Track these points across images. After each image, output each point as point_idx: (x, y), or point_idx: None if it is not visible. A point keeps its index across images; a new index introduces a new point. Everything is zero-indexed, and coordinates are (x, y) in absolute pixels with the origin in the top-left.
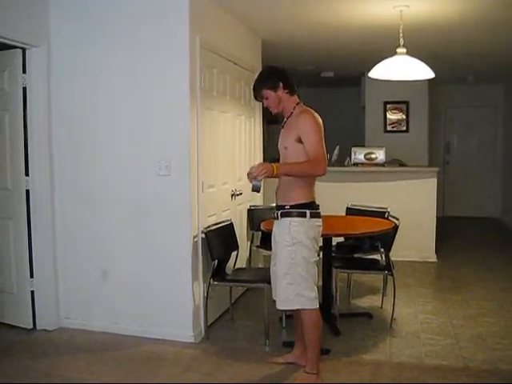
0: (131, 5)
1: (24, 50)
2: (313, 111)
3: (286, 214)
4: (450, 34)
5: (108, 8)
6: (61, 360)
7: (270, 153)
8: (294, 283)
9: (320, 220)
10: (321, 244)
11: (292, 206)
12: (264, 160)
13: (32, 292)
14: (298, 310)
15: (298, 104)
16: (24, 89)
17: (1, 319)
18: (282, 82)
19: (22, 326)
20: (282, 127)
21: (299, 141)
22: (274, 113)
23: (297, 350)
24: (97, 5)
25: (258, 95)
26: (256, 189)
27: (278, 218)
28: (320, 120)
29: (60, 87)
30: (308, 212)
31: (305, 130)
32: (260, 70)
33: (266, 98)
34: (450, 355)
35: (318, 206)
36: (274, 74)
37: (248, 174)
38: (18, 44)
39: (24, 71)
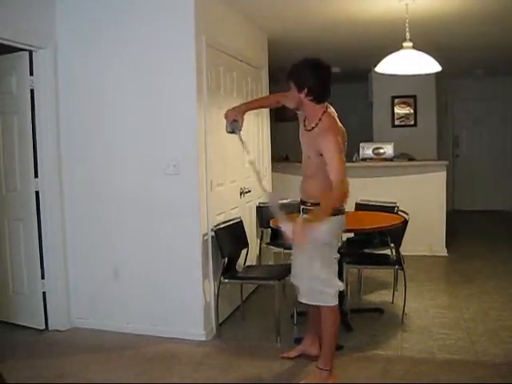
0: (136, 5)
1: (31, 53)
2: (334, 121)
3: (307, 211)
4: (456, 26)
5: (113, 9)
6: (74, 360)
7: (278, 150)
8: (315, 279)
9: (343, 216)
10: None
11: (313, 204)
12: (272, 158)
13: (44, 293)
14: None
15: (324, 112)
16: (32, 91)
17: (13, 320)
18: (309, 87)
19: (34, 326)
20: (305, 127)
21: (321, 155)
22: (293, 107)
23: (307, 339)
24: (102, 6)
25: (286, 81)
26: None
27: (301, 213)
28: (340, 127)
29: (67, 89)
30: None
31: (327, 152)
32: (266, 67)
33: (290, 88)
34: (462, 349)
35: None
36: (304, 72)
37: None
38: (24, 47)
39: (31, 74)
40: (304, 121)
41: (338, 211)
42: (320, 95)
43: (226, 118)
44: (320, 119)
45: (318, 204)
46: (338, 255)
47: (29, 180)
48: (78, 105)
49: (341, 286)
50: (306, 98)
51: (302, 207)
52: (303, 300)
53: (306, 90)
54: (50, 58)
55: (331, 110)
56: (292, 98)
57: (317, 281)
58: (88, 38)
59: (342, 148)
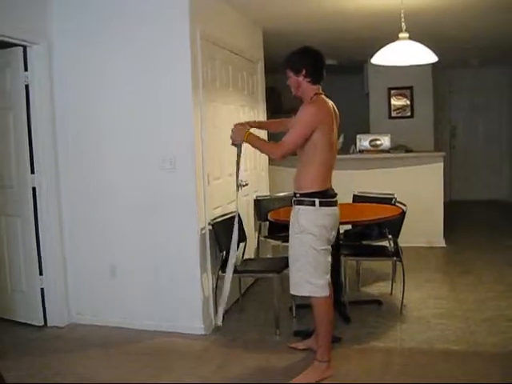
0: None
1: (25, 48)
2: (320, 104)
3: (297, 202)
4: (452, 16)
5: (108, 3)
6: (73, 356)
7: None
8: (303, 270)
9: (333, 208)
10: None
11: (302, 195)
12: None
13: (42, 289)
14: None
15: (316, 94)
16: (26, 87)
17: (12, 317)
18: (307, 69)
19: (33, 323)
20: None
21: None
22: (294, 95)
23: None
24: (97, 0)
25: (284, 70)
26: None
27: (291, 205)
28: (327, 110)
29: (62, 84)
30: (317, 201)
31: (296, 119)
32: (262, 60)
33: (288, 77)
34: (460, 340)
35: (335, 194)
36: (302, 58)
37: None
38: (18, 42)
39: (26, 69)
40: None
41: (326, 203)
42: (316, 75)
43: (233, 131)
44: (312, 98)
45: (307, 194)
46: (328, 246)
47: (25, 176)
48: (74, 100)
49: (328, 278)
50: (305, 80)
51: (293, 199)
52: (292, 292)
53: (303, 71)
54: (44, 53)
55: (325, 97)
56: (293, 87)
57: (304, 272)
58: (83, 32)
59: (328, 131)
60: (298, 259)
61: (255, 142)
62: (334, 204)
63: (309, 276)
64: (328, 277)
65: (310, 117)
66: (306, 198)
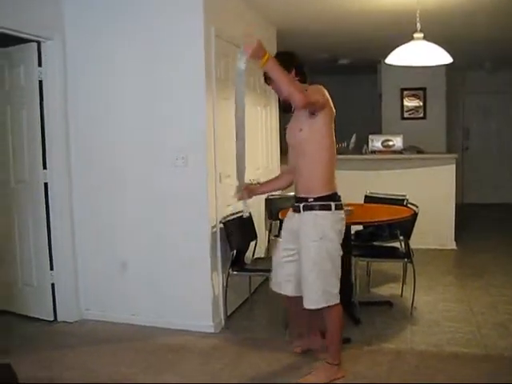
0: None
1: (39, 44)
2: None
3: (309, 208)
4: (468, 18)
5: (122, 0)
6: (82, 352)
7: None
8: (320, 278)
9: (343, 212)
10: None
11: (315, 199)
12: (281, 150)
13: (52, 284)
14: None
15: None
16: (40, 82)
17: (22, 311)
18: (294, 69)
19: (43, 318)
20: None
21: (312, 114)
22: (283, 98)
23: (307, 336)
24: None
25: (268, 79)
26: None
27: (299, 212)
28: (327, 95)
29: (76, 79)
30: (333, 204)
31: (312, 89)
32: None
33: (272, 82)
34: (471, 343)
35: (340, 196)
36: (286, 60)
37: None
38: (32, 37)
39: (40, 65)
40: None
41: (340, 206)
42: (304, 74)
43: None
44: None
45: (320, 198)
46: (341, 251)
47: (38, 172)
48: (87, 96)
49: (337, 288)
50: (295, 79)
51: (302, 205)
52: (313, 306)
53: (293, 72)
54: (58, 48)
55: None
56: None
57: (321, 280)
58: (96, 28)
59: (332, 128)
60: (315, 268)
61: (280, 72)
62: (343, 207)
63: (326, 285)
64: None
65: (320, 88)
66: (321, 202)
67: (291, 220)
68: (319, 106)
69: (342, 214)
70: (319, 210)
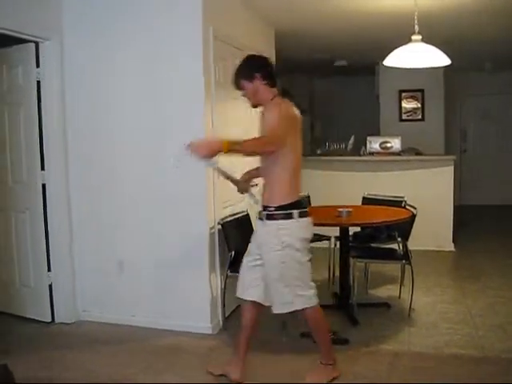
0: None
1: (37, 44)
2: (287, 104)
3: (271, 217)
4: (465, 19)
5: (120, 0)
6: (80, 353)
7: None
8: (290, 285)
9: (310, 219)
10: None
11: (277, 208)
12: None
13: (50, 285)
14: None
15: (275, 96)
16: (38, 83)
17: (20, 313)
18: (260, 73)
19: (40, 319)
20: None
21: None
22: (252, 104)
23: (232, 361)
24: None
25: (236, 85)
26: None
27: (263, 220)
28: (292, 112)
29: (74, 80)
30: (295, 212)
31: (268, 120)
32: (273, 59)
33: (244, 89)
34: (469, 344)
35: (305, 203)
36: (252, 64)
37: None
38: (30, 38)
39: (38, 65)
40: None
41: (304, 213)
42: (271, 77)
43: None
44: (272, 99)
45: (282, 207)
46: (310, 256)
47: (35, 172)
48: (85, 96)
49: (312, 290)
50: (262, 83)
51: (265, 213)
52: (283, 310)
53: (258, 76)
54: (56, 49)
55: (286, 100)
56: (250, 96)
57: (292, 287)
58: (94, 29)
59: (295, 134)
60: (282, 276)
61: (238, 145)
62: (308, 214)
63: (298, 289)
64: (314, 285)
65: (282, 113)
66: (283, 211)
67: (257, 227)
68: (286, 135)
69: (306, 221)
70: (281, 219)
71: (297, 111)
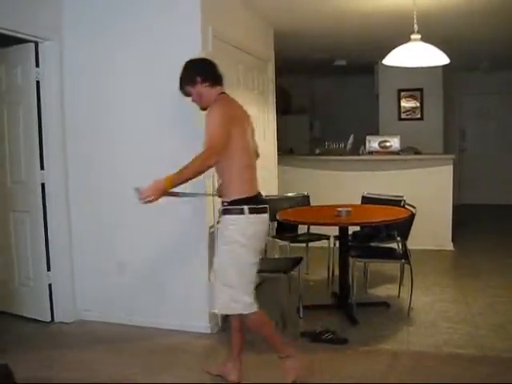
0: None
1: (37, 44)
2: (229, 102)
3: (225, 211)
4: (464, 18)
5: (120, 1)
6: (79, 352)
7: (284, 143)
8: (227, 285)
9: (264, 216)
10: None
11: (230, 203)
12: (278, 150)
13: (49, 285)
14: (234, 319)
15: (219, 95)
16: (37, 83)
17: (19, 312)
18: (201, 76)
19: (40, 318)
20: None
21: None
22: (201, 108)
23: (229, 362)
24: None
25: (183, 92)
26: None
27: (219, 214)
28: (236, 110)
29: (74, 80)
30: (246, 208)
31: (207, 125)
32: (273, 59)
33: (191, 94)
34: (468, 344)
35: (265, 200)
36: (191, 69)
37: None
38: (30, 38)
39: (37, 65)
40: None
41: (256, 209)
42: (212, 78)
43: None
44: (215, 100)
45: (234, 202)
46: (257, 259)
47: (35, 172)
48: (84, 97)
49: (254, 294)
50: (204, 86)
51: (221, 208)
52: (216, 310)
53: (199, 79)
54: (56, 49)
55: (229, 98)
56: (197, 101)
57: (231, 288)
58: (94, 29)
59: (241, 131)
60: (225, 274)
61: (180, 175)
62: (265, 211)
63: (235, 293)
64: (253, 293)
65: (222, 112)
66: (234, 206)
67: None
68: (227, 137)
69: (258, 217)
70: (231, 214)
71: (242, 108)
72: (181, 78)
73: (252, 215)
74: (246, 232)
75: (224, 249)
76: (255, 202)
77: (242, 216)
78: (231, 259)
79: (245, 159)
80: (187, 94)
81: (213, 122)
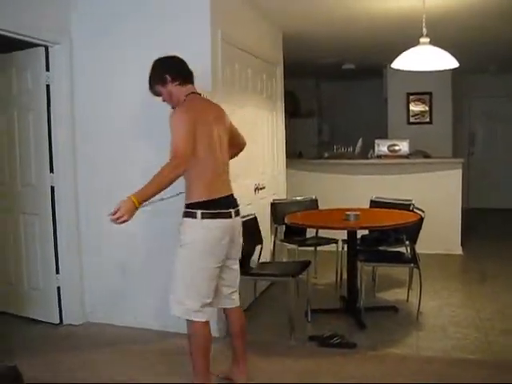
0: (152, 0)
1: (47, 48)
2: (189, 104)
3: (183, 214)
4: (474, 21)
5: (129, 3)
6: (87, 354)
7: (292, 146)
8: (175, 286)
9: (223, 221)
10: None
11: (186, 206)
12: (286, 153)
13: (58, 288)
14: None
15: (188, 95)
16: (47, 86)
17: (28, 314)
18: (170, 75)
19: (49, 321)
20: None
21: None
22: (172, 107)
23: (234, 364)
24: (117, 0)
25: (153, 92)
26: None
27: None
28: (201, 112)
29: (83, 83)
30: (199, 213)
31: (171, 131)
32: (281, 63)
33: (161, 94)
34: (478, 349)
35: (230, 204)
36: (159, 67)
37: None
38: (40, 42)
39: (47, 69)
40: None
41: (211, 214)
42: (181, 75)
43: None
44: (182, 102)
45: (190, 205)
46: (212, 267)
47: (44, 175)
48: (94, 100)
49: (208, 302)
50: (173, 85)
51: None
52: (171, 311)
53: (168, 78)
54: (65, 53)
55: (198, 95)
56: (168, 100)
57: (178, 289)
58: (103, 33)
59: (211, 131)
60: (175, 275)
61: (148, 190)
62: (224, 216)
63: (181, 295)
64: (208, 302)
65: (183, 118)
66: (189, 210)
67: None
68: (192, 142)
69: (213, 222)
70: (185, 217)
71: (214, 107)
72: (150, 78)
73: (206, 220)
74: (198, 237)
75: (178, 251)
76: (214, 207)
77: (194, 220)
78: (181, 261)
79: (208, 162)
80: (157, 94)
81: (176, 129)
